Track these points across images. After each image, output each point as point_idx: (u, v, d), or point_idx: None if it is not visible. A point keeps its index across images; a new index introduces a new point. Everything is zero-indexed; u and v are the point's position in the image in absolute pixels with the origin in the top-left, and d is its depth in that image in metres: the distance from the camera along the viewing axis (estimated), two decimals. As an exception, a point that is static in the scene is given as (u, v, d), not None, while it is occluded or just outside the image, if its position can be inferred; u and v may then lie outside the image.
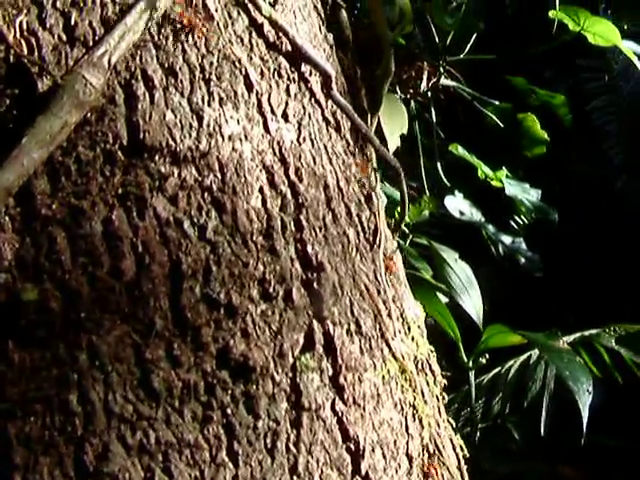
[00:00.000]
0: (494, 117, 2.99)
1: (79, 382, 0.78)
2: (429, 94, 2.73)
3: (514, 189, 3.17)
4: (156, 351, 0.81)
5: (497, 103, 3.05)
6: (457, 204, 3.02)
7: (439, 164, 2.90)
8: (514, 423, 2.49)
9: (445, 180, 2.93)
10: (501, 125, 3.02)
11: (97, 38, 0.87)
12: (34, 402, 0.77)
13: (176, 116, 0.88)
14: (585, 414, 1.47)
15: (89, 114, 0.84)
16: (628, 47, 2.12)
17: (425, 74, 2.61)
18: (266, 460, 0.82)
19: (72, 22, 0.86)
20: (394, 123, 1.39)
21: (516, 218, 3.35)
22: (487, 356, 2.09)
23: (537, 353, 2.51)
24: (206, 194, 0.87)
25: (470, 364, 2.14)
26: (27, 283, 0.79)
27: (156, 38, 0.90)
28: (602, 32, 2.04)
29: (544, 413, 2.28)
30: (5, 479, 0.75)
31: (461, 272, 2.30)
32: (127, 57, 0.88)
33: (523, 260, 3.31)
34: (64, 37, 0.86)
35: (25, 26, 0.84)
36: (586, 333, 2.70)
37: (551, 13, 2.18)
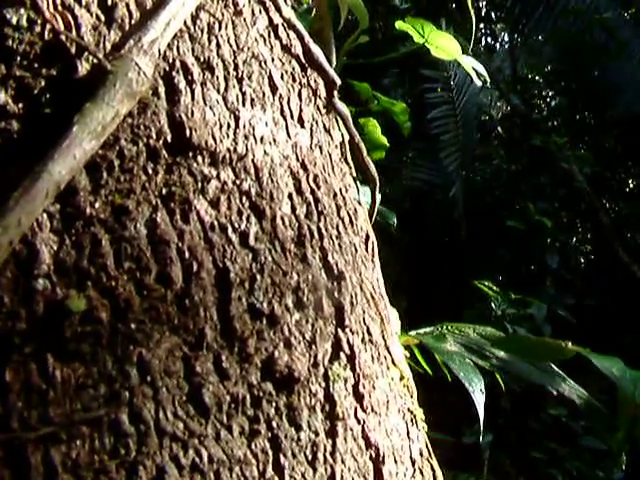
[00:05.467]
0: (336, 120, 3.05)
1: (130, 400, 0.71)
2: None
3: (356, 192, 3.30)
4: (205, 364, 0.76)
5: (340, 106, 3.10)
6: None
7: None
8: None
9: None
10: (343, 128, 3.08)
11: (134, 22, 0.79)
12: (81, 424, 0.69)
13: (214, 114, 0.83)
14: (481, 412, 1.56)
15: (130, 105, 0.77)
16: (467, 62, 2.19)
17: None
18: (308, 472, 0.81)
19: (109, 1, 0.78)
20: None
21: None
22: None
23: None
24: (244, 198, 0.83)
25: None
26: (71, 290, 0.71)
27: (192, 30, 0.84)
28: (444, 46, 2.08)
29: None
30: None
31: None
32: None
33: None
34: (102, 17, 0.77)
35: (59, 0, 0.75)
36: (421, 331, 2.86)
37: (397, 24, 2.18)
